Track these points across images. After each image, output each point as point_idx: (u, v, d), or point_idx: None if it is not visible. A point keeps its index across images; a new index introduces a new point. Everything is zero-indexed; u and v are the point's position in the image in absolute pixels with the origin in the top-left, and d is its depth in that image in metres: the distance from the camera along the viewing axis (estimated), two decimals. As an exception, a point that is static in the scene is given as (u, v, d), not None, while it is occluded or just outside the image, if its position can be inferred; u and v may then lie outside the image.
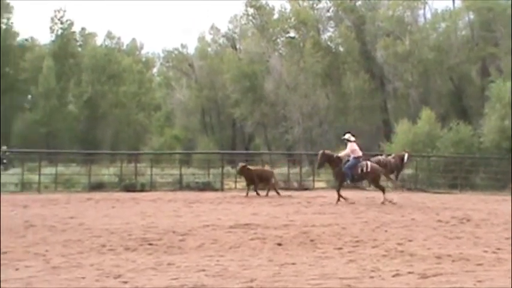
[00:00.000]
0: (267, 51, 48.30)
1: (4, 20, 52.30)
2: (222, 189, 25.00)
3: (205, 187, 24.71)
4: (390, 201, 18.54)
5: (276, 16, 50.83)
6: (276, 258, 8.57)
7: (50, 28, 52.53)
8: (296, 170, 28.08)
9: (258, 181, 21.82)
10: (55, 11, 52.41)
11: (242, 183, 26.07)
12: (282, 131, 45.45)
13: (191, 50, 55.64)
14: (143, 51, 63.52)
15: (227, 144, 49.02)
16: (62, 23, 52.47)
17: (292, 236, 10.77)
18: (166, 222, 12.86)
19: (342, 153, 19.64)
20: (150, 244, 9.75)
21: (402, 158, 24.99)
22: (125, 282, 6.91)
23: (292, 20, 49.19)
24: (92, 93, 51.06)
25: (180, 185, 25.44)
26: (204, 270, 7.59)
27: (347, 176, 19.24)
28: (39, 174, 24.39)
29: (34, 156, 29.06)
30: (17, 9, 65.32)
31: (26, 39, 53.83)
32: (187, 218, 13.95)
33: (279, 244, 9.82)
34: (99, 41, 56.92)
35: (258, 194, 21.35)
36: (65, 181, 25.38)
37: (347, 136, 19.68)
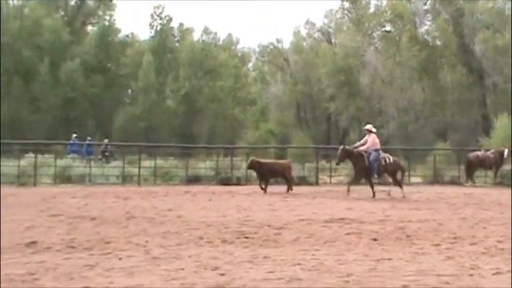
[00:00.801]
0: (363, 45, 47.86)
1: (107, 17, 54.13)
2: (317, 184, 25.00)
3: (300, 181, 24.76)
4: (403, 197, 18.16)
5: (371, 10, 50.30)
6: (371, 253, 8.52)
7: (150, 24, 53.90)
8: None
9: (271, 175, 21.03)
10: (154, 8, 53.71)
11: (337, 177, 26.05)
12: (377, 126, 44.98)
13: (286, 44, 55.83)
14: (239, 46, 64.13)
15: (322, 138, 48.91)
16: (161, 19, 53.71)
17: (388, 231, 10.66)
18: (261, 215, 12.99)
19: (363, 147, 18.90)
20: (246, 237, 9.88)
21: (502, 154, 24.31)
22: (222, 275, 7.03)
23: (389, 13, 48.57)
24: (189, 88, 51.99)
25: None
26: (299, 264, 7.64)
27: (373, 171, 18.71)
28: (139, 167, 25.12)
29: (134, 149, 29.93)
30: (119, 7, 67.46)
31: (127, 36, 55.44)
32: (282, 211, 14.04)
33: (375, 239, 9.75)
34: (196, 36, 57.96)
35: (263, 189, 20.14)
36: (164, 174, 26.01)
37: (368, 127, 19.33)
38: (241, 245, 9.18)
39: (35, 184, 22.81)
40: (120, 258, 7.94)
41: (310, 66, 51.52)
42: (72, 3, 54.36)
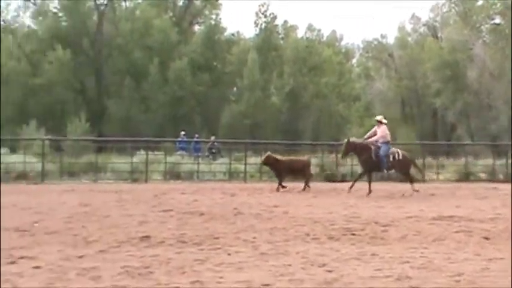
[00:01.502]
0: (470, 38, 46.54)
1: (213, 17, 55.14)
2: (424, 181, 24.57)
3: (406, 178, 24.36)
4: (416, 191, 17.73)
5: (479, 2, 48.80)
6: (483, 252, 8.33)
7: (255, 22, 54.47)
8: (502, 161, 26.82)
9: (287, 172, 20.25)
10: (259, 6, 54.24)
11: (445, 174, 25.46)
12: (486, 121, 43.65)
13: (391, 39, 55.10)
14: (343, 43, 63.89)
15: (427, 134, 47.93)
16: (265, 17, 54.18)
17: (500, 229, 10.37)
18: (368, 212, 12.93)
19: (372, 139, 18.12)
20: (353, 234, 9.88)
21: None
22: (330, 271, 7.08)
23: (498, 5, 46.96)
24: (293, 84, 52.19)
25: (381, 176, 25.36)
26: (408, 262, 7.58)
27: (383, 164, 17.88)
28: (245, 164, 25.48)
29: (240, 146, 30.36)
30: (224, 6, 68.53)
31: (233, 34, 56.25)
32: (388, 208, 13.92)
33: (486, 238, 9.52)
34: (300, 33, 58.10)
35: (282, 187, 19.52)
36: (269, 171, 26.23)
37: (379, 117, 18.60)
38: (348, 242, 9.19)
39: (146, 180, 23.56)
40: (229, 254, 8.14)
41: (415, 61, 50.67)
42: (180, 3, 55.73)
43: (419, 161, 26.13)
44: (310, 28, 58.38)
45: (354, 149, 18.36)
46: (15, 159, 24.19)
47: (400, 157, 17.96)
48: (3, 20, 51.97)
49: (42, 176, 22.99)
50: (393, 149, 18.15)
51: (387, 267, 7.31)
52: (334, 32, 62.68)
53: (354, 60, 64.22)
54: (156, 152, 27.15)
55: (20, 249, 8.26)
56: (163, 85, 49.15)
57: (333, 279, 6.70)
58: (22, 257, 7.65)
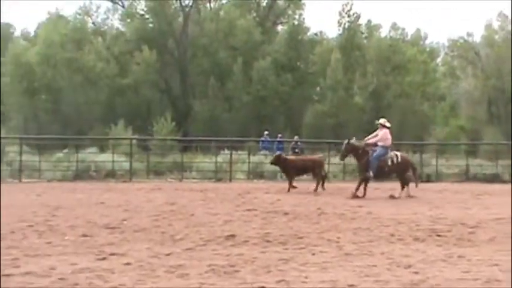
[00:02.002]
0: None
1: (296, 16, 55.18)
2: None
3: (493, 179, 23.79)
4: (407, 195, 16.73)
5: None
6: None
7: (338, 22, 54.12)
8: None
9: (298, 172, 19.69)
10: (343, 5, 53.87)
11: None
12: None
13: (477, 38, 53.73)
14: (427, 41, 62.71)
15: (516, 134, 46.46)
16: (349, 16, 53.75)
17: None
18: (454, 213, 12.71)
19: (370, 140, 17.26)
20: (439, 235, 9.73)
21: None
22: (416, 273, 7.00)
23: None
24: (376, 84, 51.62)
25: (467, 176, 24.85)
26: (497, 265, 7.41)
27: (371, 168, 16.73)
28: (328, 164, 25.39)
29: (323, 146, 30.31)
30: (308, 6, 68.34)
31: (316, 34, 56.10)
32: (475, 210, 13.65)
33: None
34: (383, 32, 57.44)
35: (293, 187, 18.82)
36: (352, 171, 26.09)
37: (382, 121, 17.46)
38: (434, 243, 9.07)
39: (230, 179, 23.84)
40: (313, 254, 8.16)
41: (502, 59, 49.16)
42: (264, 4, 55.99)
43: (506, 162, 25.52)
44: (394, 27, 57.61)
45: (353, 151, 17.52)
46: (104, 158, 24.95)
47: (399, 159, 17.08)
48: (93, 22, 53.62)
49: (130, 175, 23.62)
50: (392, 153, 17.17)
51: (475, 269, 7.18)
52: (418, 30, 61.61)
53: (439, 59, 62.87)
54: (239, 152, 27.44)
55: (110, 245, 8.54)
56: (247, 85, 49.52)
57: (420, 280, 6.64)
58: (113, 254, 7.91)
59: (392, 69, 52.52)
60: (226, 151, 26.44)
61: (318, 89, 54.49)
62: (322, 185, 19.25)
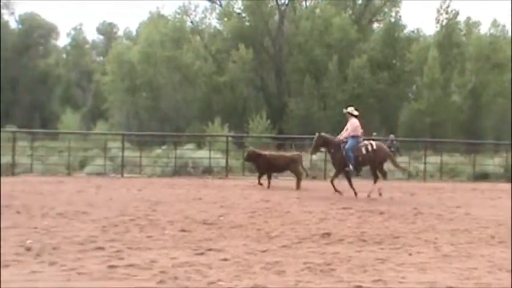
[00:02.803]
0: None
1: (393, 14, 54.44)
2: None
3: None
4: (380, 192, 15.70)
5: None
6: None
7: (436, 19, 53.00)
8: None
9: (272, 169, 19.00)
10: (441, 2, 52.72)
11: None
12: None
13: None
14: (530, 38, 60.43)
15: None
16: (447, 13, 52.54)
17: None
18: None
19: (343, 135, 16.42)
20: (542, 239, 9.45)
21: None
22: (519, 277, 6.85)
23: None
24: (475, 82, 50.26)
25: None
26: None
27: (349, 160, 15.95)
28: (425, 163, 25.02)
29: (419, 145, 29.84)
30: (404, 3, 67.39)
31: (412, 31, 55.14)
32: None
33: None
34: (483, 29, 55.84)
35: (260, 184, 18.61)
36: (449, 170, 25.60)
37: (349, 109, 16.64)
38: (537, 246, 8.80)
39: (324, 177, 23.81)
40: (410, 254, 8.10)
41: None
42: (360, 1, 55.52)
43: None
44: (494, 24, 55.82)
45: (324, 144, 16.95)
46: (201, 155, 25.43)
47: (374, 148, 16.10)
48: (192, 22, 54.62)
49: (226, 172, 23.98)
50: (365, 142, 16.32)
51: None
52: (520, 27, 59.58)
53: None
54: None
55: (208, 241, 8.74)
56: (342, 83, 49.23)
57: (523, 286, 6.49)
58: (210, 249, 8.09)
59: (492, 67, 50.94)
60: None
61: (414, 87, 53.58)
62: (298, 183, 18.69)
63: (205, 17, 55.41)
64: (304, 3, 55.15)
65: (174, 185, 18.71)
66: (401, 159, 27.43)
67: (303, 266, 7.19)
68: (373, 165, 16.23)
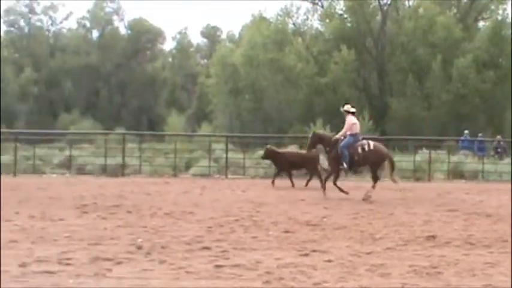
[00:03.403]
0: None
1: (500, 12, 52.75)
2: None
3: None
4: (369, 197, 14.96)
5: None
6: None
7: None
8: None
9: (291, 167, 18.82)
10: (551, -2, 50.70)
11: None
12: None
13: None
14: None
15: None
16: (558, 8, 50.44)
17: None
18: None
19: (340, 133, 15.90)
20: None
21: None
22: None
23: None
24: None
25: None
26: None
27: (344, 159, 15.36)
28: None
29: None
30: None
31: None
32: None
33: None
34: None
35: (273, 182, 18.68)
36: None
37: (346, 107, 16.16)
38: None
39: (429, 179, 23.39)
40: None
41: None
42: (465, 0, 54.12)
43: None
44: None
45: (320, 142, 16.51)
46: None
47: (371, 147, 15.51)
48: (294, 23, 54.82)
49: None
50: (363, 141, 15.80)
51: None
52: None
53: None
54: (438, 151, 26.83)
55: (311, 242, 8.81)
56: (446, 83, 48.09)
57: None
58: (314, 250, 8.14)
59: None
60: (424, 150, 25.97)
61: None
62: (308, 181, 18.74)
63: (307, 18, 55.44)
64: (407, 2, 54.29)
65: (276, 186, 18.87)
66: (509, 161, 26.62)
67: (408, 268, 7.13)
68: (371, 166, 15.85)
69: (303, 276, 6.71)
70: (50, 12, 68.34)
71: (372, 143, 15.76)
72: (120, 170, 23.14)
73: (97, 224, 10.17)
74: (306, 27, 55.40)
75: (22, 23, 68.05)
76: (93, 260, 7.24)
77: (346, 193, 15.66)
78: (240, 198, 15.16)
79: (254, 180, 22.11)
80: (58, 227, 9.74)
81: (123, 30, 68.97)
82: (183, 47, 71.46)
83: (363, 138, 16.08)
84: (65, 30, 70.07)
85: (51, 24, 68.93)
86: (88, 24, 68.58)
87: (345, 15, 52.98)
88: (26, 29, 68.10)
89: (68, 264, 7.06)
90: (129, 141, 27.64)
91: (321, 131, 17.55)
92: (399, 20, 51.70)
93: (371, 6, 52.55)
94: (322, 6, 54.55)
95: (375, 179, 15.64)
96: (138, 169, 24.16)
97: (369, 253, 8.05)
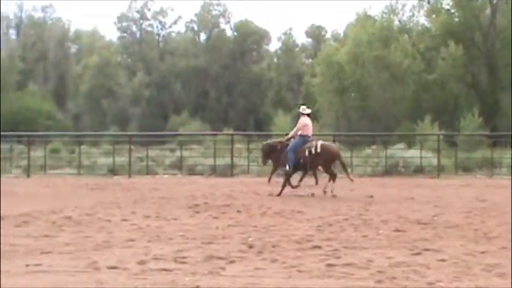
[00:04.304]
0: None
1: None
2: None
3: None
4: (332, 193, 14.81)
5: None
6: None
7: None
8: None
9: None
10: None
11: None
12: None
13: None
14: None
15: None
16: None
17: None
18: None
19: (289, 135, 15.98)
20: None
21: None
22: None
23: None
24: None
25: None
26: None
27: (289, 161, 15.15)
28: None
29: None
30: None
31: None
32: None
33: None
34: None
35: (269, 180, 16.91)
36: None
37: (301, 108, 15.98)
38: None
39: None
40: None
41: None
42: None
43: None
44: None
45: (272, 151, 16.29)
46: (412, 154, 25.12)
47: (319, 150, 15.07)
48: (399, 20, 54.12)
49: (438, 171, 23.46)
50: (313, 142, 15.41)
51: None
52: None
53: None
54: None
55: (423, 241, 8.70)
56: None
57: None
58: (426, 249, 8.03)
59: None
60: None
61: None
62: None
63: (413, 15, 54.78)
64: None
65: (385, 185, 18.72)
66: None
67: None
68: (322, 167, 15.70)
69: (416, 276, 6.64)
70: (160, 17, 70.57)
71: (320, 144, 15.48)
72: (229, 170, 23.58)
73: (209, 223, 10.43)
74: (411, 24, 54.68)
75: (134, 28, 70.56)
76: (207, 259, 7.43)
77: (295, 187, 15.72)
78: (348, 196, 15.13)
79: (362, 178, 21.93)
80: (172, 226, 10.06)
81: (229, 32, 70.21)
82: (288, 47, 71.84)
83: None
84: (174, 34, 72.21)
85: (161, 29, 71.25)
86: (196, 27, 70.26)
87: (452, 10, 51.82)
88: (138, 34, 70.51)
89: (183, 262, 7.27)
90: (237, 142, 28.07)
91: (270, 141, 17.33)
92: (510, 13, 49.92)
93: (479, 0, 51.06)
94: (429, 2, 53.72)
95: (332, 176, 15.38)
96: (246, 169, 24.51)
97: (483, 252, 7.87)
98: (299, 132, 15.66)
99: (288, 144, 15.83)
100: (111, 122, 62.86)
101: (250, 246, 8.26)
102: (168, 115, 62.87)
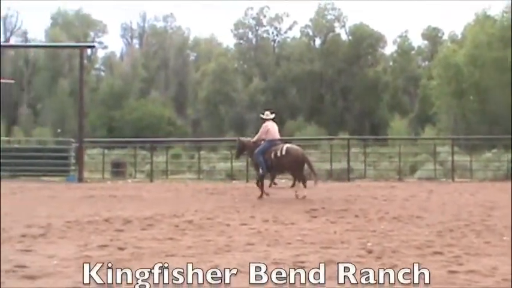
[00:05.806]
0: None
1: None
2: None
3: None
4: (303, 197, 15.02)
5: None
6: None
7: None
8: None
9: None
10: None
11: None
12: None
13: None
14: None
15: None
16: None
17: None
18: None
19: (255, 138, 16.37)
20: None
21: None
22: None
23: None
24: None
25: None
26: None
27: (260, 164, 15.58)
28: None
29: None
30: None
31: None
32: None
33: None
34: None
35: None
36: None
37: (265, 114, 16.32)
38: None
39: None
40: None
41: None
42: None
43: None
44: None
45: (245, 148, 16.99)
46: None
47: (283, 153, 15.23)
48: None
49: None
50: (279, 145, 15.58)
51: None
52: None
53: None
54: None
55: None
56: None
57: None
58: None
59: None
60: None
61: None
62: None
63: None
64: None
65: (508, 190, 18.07)
66: None
67: None
68: (289, 170, 16.00)
69: None
70: (276, 24, 71.35)
71: (285, 147, 15.52)
72: (345, 175, 23.52)
73: (326, 228, 10.45)
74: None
75: (250, 35, 71.70)
76: (326, 263, 7.46)
77: (267, 194, 15.90)
78: (469, 201, 14.77)
79: (483, 183, 21.33)
80: (290, 231, 10.15)
81: (344, 36, 69.97)
82: (403, 49, 70.72)
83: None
84: (289, 39, 72.69)
85: (277, 35, 71.95)
86: (311, 32, 70.50)
87: None
88: (254, 41, 71.58)
89: (301, 267, 7.34)
90: (353, 146, 27.93)
91: (244, 138, 17.74)
92: None
93: None
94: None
95: (302, 180, 15.54)
96: (363, 173, 24.38)
97: None
98: (263, 136, 16.06)
99: (254, 147, 16.22)
100: (228, 127, 64.05)
101: (369, 252, 8.22)
102: (284, 120, 63.30)
